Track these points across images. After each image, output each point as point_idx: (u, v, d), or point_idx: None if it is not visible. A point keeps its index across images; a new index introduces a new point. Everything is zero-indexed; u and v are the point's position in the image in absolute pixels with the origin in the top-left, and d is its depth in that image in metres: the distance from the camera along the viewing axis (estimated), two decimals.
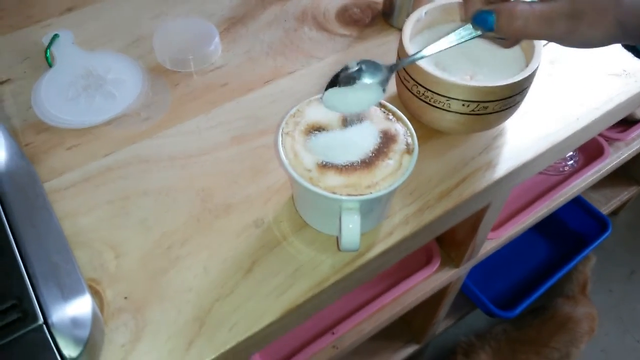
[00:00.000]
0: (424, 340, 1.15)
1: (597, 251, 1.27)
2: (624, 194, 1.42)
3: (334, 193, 0.40)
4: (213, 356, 0.41)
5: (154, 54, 0.64)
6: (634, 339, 1.38)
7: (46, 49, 0.62)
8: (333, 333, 0.80)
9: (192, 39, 0.64)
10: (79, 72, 0.61)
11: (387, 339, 1.15)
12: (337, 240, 0.47)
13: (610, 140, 1.05)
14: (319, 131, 0.44)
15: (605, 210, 1.37)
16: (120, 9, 0.70)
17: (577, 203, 1.32)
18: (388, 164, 0.42)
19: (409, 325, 1.16)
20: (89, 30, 0.67)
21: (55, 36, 0.64)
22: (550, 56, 0.64)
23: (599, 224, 1.29)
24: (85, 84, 0.60)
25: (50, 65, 0.61)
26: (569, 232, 1.33)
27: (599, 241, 1.25)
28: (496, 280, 1.26)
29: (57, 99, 0.58)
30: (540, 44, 0.51)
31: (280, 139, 0.44)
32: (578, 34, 0.36)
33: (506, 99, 0.49)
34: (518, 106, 0.53)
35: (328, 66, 0.63)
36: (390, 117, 0.46)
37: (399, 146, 0.43)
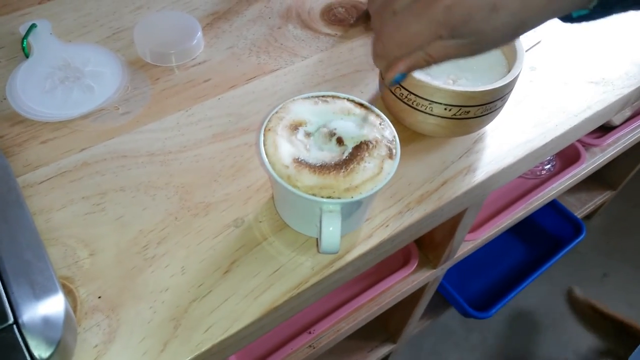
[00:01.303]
0: (399, 340, 1.16)
1: (570, 254, 1.30)
2: (598, 199, 1.44)
3: (314, 195, 0.40)
4: (188, 358, 0.40)
5: (134, 47, 0.63)
6: None
7: (23, 39, 0.61)
8: (310, 332, 0.80)
9: (174, 32, 0.63)
10: (57, 64, 0.59)
11: (363, 338, 1.16)
12: (317, 242, 0.47)
13: (586, 146, 1.06)
14: (303, 126, 0.44)
15: (579, 213, 1.39)
16: (101, 0, 0.69)
17: (553, 206, 1.34)
18: (365, 167, 0.42)
19: (385, 325, 1.17)
20: (68, 20, 0.66)
21: (33, 26, 0.62)
22: (531, 62, 0.65)
23: (574, 227, 1.32)
24: (63, 76, 0.58)
25: (26, 56, 0.60)
26: (544, 234, 1.35)
27: (573, 244, 1.28)
28: (472, 280, 1.27)
29: (33, 90, 0.57)
30: (522, 50, 0.52)
31: (262, 137, 0.43)
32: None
33: (488, 104, 0.50)
34: (499, 111, 0.53)
35: (312, 65, 0.62)
36: (375, 120, 0.46)
37: (380, 150, 0.43)
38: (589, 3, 0.35)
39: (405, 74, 0.38)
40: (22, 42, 0.61)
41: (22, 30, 0.62)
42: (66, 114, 0.56)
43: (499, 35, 0.34)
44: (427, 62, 0.36)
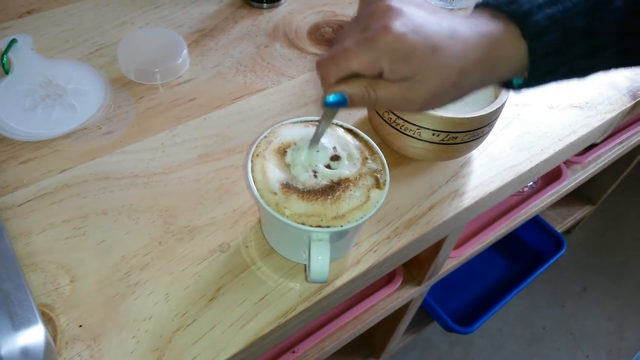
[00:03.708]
0: (382, 355, 1.16)
1: (551, 268, 1.31)
2: (579, 213, 1.46)
3: (302, 224, 0.39)
4: None
5: (117, 64, 0.62)
6: (583, 354, 1.42)
7: (3, 54, 0.59)
8: (294, 352, 0.79)
9: (159, 50, 0.62)
10: (38, 81, 0.58)
11: (346, 354, 1.15)
12: (305, 270, 0.46)
13: (568, 163, 1.08)
14: (291, 149, 0.44)
15: (560, 228, 1.41)
16: (84, 14, 0.67)
17: (534, 221, 1.35)
18: (352, 196, 0.41)
19: (368, 340, 1.16)
20: (50, 35, 0.64)
21: (13, 41, 0.60)
22: None
23: (555, 242, 1.33)
24: (44, 93, 0.57)
25: (6, 72, 0.58)
26: (526, 249, 1.37)
27: (554, 259, 1.29)
28: (454, 295, 1.27)
29: (13, 108, 0.55)
30: None
31: (250, 164, 0.43)
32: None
33: (475, 130, 0.50)
34: (486, 136, 0.53)
35: (299, 85, 0.62)
36: (363, 148, 0.45)
37: (365, 180, 0.43)
38: (522, 73, 0.37)
39: (343, 100, 0.37)
40: (2, 58, 0.59)
41: (2, 45, 0.60)
42: (47, 133, 0.54)
43: (441, 78, 0.35)
44: (368, 95, 0.37)
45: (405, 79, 0.35)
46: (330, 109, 0.39)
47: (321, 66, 0.37)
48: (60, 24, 0.66)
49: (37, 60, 0.60)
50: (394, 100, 0.37)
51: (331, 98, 0.37)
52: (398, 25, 0.34)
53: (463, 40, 0.35)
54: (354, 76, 0.37)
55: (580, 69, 0.38)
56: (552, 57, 0.36)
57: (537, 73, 0.37)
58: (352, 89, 0.37)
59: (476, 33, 0.35)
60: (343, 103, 0.38)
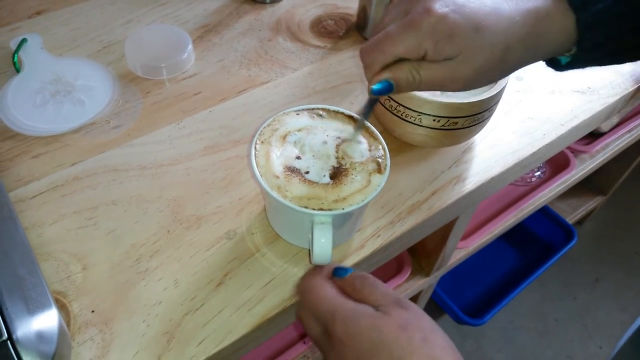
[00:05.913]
0: None
1: (562, 260, 1.30)
2: (589, 204, 1.46)
3: (305, 207, 0.40)
4: None
5: (125, 60, 0.63)
6: (597, 345, 1.41)
7: (14, 54, 0.61)
8: (305, 342, 0.80)
9: (165, 46, 0.64)
10: (48, 78, 0.59)
11: None
12: (309, 253, 0.47)
13: (576, 152, 1.08)
14: (294, 136, 0.45)
15: (571, 219, 1.40)
16: (91, 13, 0.69)
17: (544, 212, 1.35)
18: (353, 180, 0.42)
19: None
20: (58, 34, 0.66)
21: (24, 40, 0.62)
22: (517, 72, 0.66)
23: (565, 233, 1.33)
24: (54, 90, 0.59)
25: (17, 71, 0.60)
26: (536, 240, 1.36)
27: (564, 250, 1.28)
28: (465, 287, 1.28)
29: (25, 105, 0.57)
30: None
31: (253, 150, 0.44)
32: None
33: (476, 115, 0.50)
34: (487, 122, 0.54)
35: (302, 77, 0.63)
36: (365, 135, 0.46)
37: (366, 165, 0.43)
38: (570, 49, 0.37)
39: (389, 86, 0.38)
40: (13, 57, 0.61)
41: (13, 45, 0.62)
42: (57, 128, 0.56)
43: (484, 56, 0.35)
44: (413, 79, 0.37)
45: (449, 58, 0.35)
46: (374, 97, 0.39)
47: (365, 54, 0.38)
48: (69, 24, 0.67)
49: (46, 58, 0.62)
50: (439, 80, 0.37)
51: (378, 85, 0.38)
52: (439, 6, 0.34)
53: (507, 17, 0.35)
54: (398, 61, 0.37)
55: (630, 46, 0.37)
56: (600, 28, 0.35)
57: (585, 46, 0.37)
58: (397, 74, 0.37)
59: (521, 9, 0.35)
60: (389, 89, 0.38)
